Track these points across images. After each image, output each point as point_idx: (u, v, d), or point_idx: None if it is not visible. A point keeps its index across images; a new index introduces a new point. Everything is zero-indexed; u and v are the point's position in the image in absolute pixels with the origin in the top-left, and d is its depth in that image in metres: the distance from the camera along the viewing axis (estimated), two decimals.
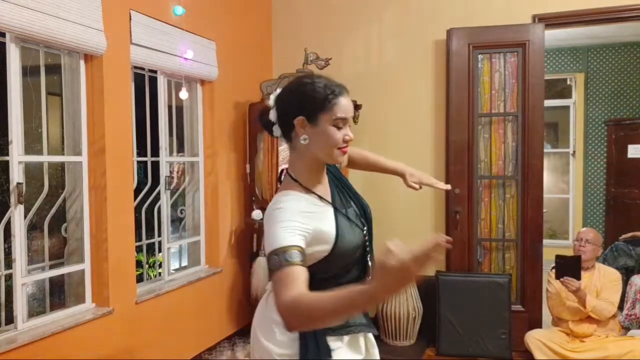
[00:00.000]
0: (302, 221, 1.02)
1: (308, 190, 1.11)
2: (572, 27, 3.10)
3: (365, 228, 1.16)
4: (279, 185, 1.18)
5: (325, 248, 1.07)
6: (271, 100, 1.14)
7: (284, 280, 0.93)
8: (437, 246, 0.79)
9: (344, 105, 1.09)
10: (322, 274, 1.08)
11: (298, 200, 1.07)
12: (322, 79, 1.11)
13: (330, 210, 1.11)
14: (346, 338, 1.14)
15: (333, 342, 1.11)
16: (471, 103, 2.90)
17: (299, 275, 0.94)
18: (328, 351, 1.08)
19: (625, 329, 2.67)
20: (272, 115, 1.13)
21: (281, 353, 1.09)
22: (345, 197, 1.19)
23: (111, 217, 2.09)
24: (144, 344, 2.28)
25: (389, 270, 0.79)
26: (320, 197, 1.12)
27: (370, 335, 1.21)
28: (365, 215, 1.19)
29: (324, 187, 1.16)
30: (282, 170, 1.18)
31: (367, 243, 1.16)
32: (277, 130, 1.14)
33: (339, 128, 1.08)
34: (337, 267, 1.11)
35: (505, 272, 2.92)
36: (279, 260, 0.96)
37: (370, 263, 1.16)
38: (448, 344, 2.79)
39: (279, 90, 1.16)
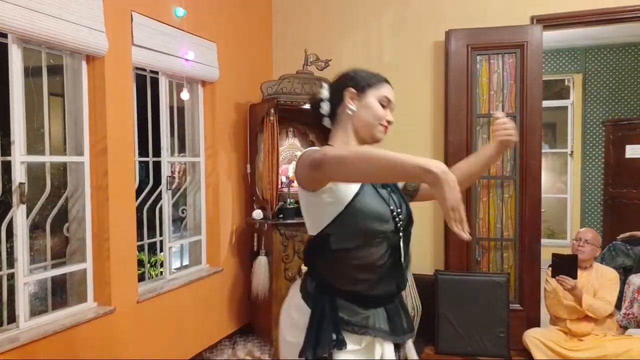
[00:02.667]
0: None
1: None
2: (570, 28, 3.12)
3: (398, 209, 1.12)
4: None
5: (339, 201, 1.05)
6: (324, 86, 1.23)
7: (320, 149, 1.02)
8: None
9: (389, 89, 1.19)
10: (342, 242, 1.05)
11: None
12: (368, 70, 1.21)
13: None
14: (364, 342, 1.08)
15: (350, 342, 1.06)
16: (470, 104, 2.92)
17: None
18: (339, 342, 1.04)
19: (623, 327, 2.69)
20: (324, 94, 1.21)
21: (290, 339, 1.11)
22: (384, 185, 1.16)
23: (113, 217, 2.11)
24: (146, 343, 2.29)
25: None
26: None
27: (391, 346, 1.13)
28: (405, 207, 1.16)
29: None
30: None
31: (400, 222, 1.10)
32: (325, 106, 1.20)
33: (383, 107, 1.16)
34: (355, 233, 1.05)
35: (504, 271, 2.94)
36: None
37: (402, 248, 1.10)
38: (447, 343, 2.80)
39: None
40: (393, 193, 1.16)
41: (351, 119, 1.16)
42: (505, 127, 1.21)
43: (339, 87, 1.19)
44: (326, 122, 1.22)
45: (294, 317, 1.12)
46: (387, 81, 1.20)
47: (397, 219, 1.11)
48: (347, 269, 1.08)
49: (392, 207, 1.11)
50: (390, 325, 1.11)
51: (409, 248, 1.15)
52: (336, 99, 1.19)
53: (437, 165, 0.85)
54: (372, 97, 1.16)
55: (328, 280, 1.10)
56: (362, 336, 1.08)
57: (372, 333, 1.08)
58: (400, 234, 1.11)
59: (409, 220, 1.16)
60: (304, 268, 1.23)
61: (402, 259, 1.11)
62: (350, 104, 1.16)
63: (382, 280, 1.09)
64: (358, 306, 1.08)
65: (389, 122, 1.17)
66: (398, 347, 1.15)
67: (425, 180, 0.87)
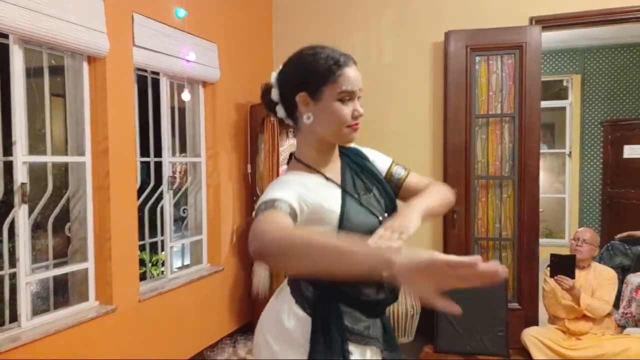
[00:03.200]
0: (302, 190, 0.92)
1: (314, 170, 1.00)
2: (568, 29, 3.13)
3: (384, 216, 1.01)
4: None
5: (325, 229, 0.94)
6: (272, 78, 1.04)
7: (268, 219, 0.82)
8: (492, 274, 0.64)
9: (350, 76, 0.96)
10: None
11: (302, 176, 0.98)
12: (326, 49, 0.99)
13: (337, 191, 0.98)
14: (368, 352, 1.00)
15: (356, 354, 0.98)
16: (468, 104, 2.94)
17: (285, 218, 0.83)
18: (343, 352, 0.94)
19: (621, 327, 2.70)
20: (275, 94, 1.02)
21: (281, 351, 0.97)
22: (364, 183, 1.05)
23: (114, 217, 2.11)
24: (147, 342, 2.30)
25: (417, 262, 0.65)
26: (327, 178, 1.00)
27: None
28: (392, 205, 1.05)
29: (334, 170, 1.04)
30: (291, 155, 1.09)
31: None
32: (280, 111, 1.03)
33: (346, 103, 0.96)
34: None
35: None
36: (267, 205, 0.86)
37: None
38: (446, 341, 2.82)
39: (280, 67, 1.04)
40: (382, 196, 1.05)
41: (311, 127, 0.98)
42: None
43: (288, 89, 0.99)
44: (288, 122, 1.05)
45: (286, 325, 0.98)
46: (345, 64, 0.97)
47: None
48: (332, 285, 0.95)
49: (380, 218, 1.00)
50: (385, 338, 1.04)
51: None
52: (288, 103, 1.00)
53: (385, 267, 0.67)
54: (330, 97, 0.95)
55: (328, 285, 0.95)
56: (365, 346, 0.99)
57: (373, 343, 1.01)
58: None
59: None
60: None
61: None
62: (306, 112, 0.97)
63: (381, 285, 1.00)
64: (361, 313, 0.99)
65: (358, 116, 0.98)
66: None
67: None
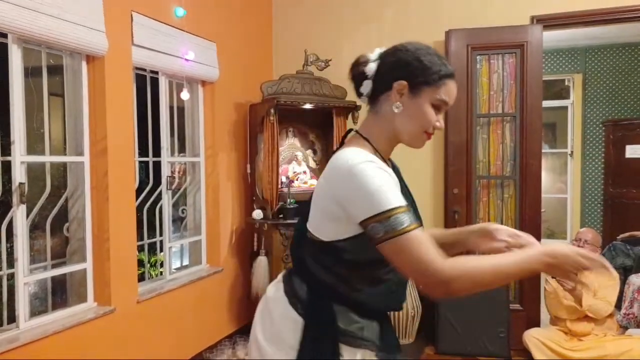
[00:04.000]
0: (393, 181, 0.90)
1: (379, 155, 0.97)
2: (570, 28, 3.12)
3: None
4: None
5: None
6: (375, 53, 1.01)
7: (421, 243, 0.82)
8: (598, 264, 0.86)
9: (452, 89, 0.96)
10: (358, 255, 0.91)
11: (375, 159, 0.92)
12: (439, 54, 0.98)
13: (398, 185, 0.95)
14: (359, 354, 0.96)
15: (347, 355, 0.95)
16: (470, 104, 2.92)
17: (431, 238, 0.85)
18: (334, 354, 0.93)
19: (623, 328, 2.69)
20: (370, 68, 0.99)
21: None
22: (404, 187, 1.03)
23: (113, 217, 2.11)
24: (146, 343, 2.29)
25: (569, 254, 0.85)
26: (388, 166, 0.97)
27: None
28: (417, 212, 1.03)
29: (388, 165, 1.00)
30: (349, 130, 1.04)
31: None
32: (366, 86, 0.99)
33: (436, 111, 0.95)
34: (373, 250, 0.88)
35: None
36: (402, 221, 0.83)
37: None
38: (447, 343, 2.80)
39: (385, 49, 1.02)
40: (415, 208, 1.02)
41: (393, 117, 0.96)
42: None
43: (391, 71, 0.96)
44: (363, 100, 1.02)
45: (279, 327, 0.96)
46: (453, 75, 0.96)
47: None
48: (354, 278, 0.95)
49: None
50: (381, 341, 1.00)
51: None
52: (382, 83, 0.97)
53: (545, 259, 0.87)
54: (427, 98, 0.94)
55: (328, 285, 0.95)
56: (356, 349, 0.96)
57: (366, 346, 0.97)
58: None
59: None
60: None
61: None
62: (397, 101, 0.95)
63: (386, 293, 0.99)
64: (355, 314, 0.96)
65: (438, 128, 0.97)
66: None
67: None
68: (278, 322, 0.97)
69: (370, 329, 0.98)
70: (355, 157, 0.90)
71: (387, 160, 1.02)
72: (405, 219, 0.84)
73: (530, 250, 0.89)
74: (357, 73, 1.02)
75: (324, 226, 0.95)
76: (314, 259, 0.97)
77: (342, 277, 0.94)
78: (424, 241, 0.83)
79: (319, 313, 0.94)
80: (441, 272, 0.81)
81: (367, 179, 0.86)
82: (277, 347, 0.96)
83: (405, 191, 1.02)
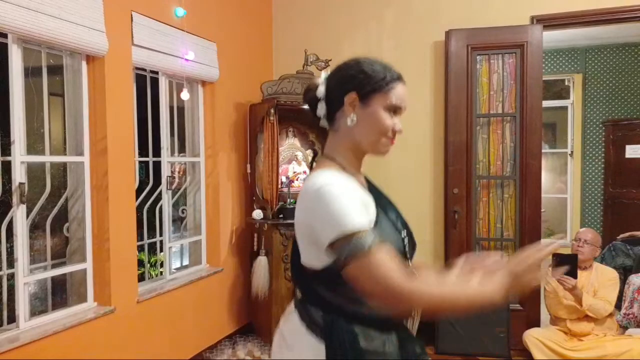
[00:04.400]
0: (359, 200, 0.91)
1: (347, 171, 0.98)
2: (570, 28, 3.11)
3: (404, 232, 1.01)
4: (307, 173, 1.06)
5: None
6: (322, 77, 1.04)
7: (383, 263, 0.83)
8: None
9: (401, 92, 0.98)
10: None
11: (345, 178, 0.93)
12: (384, 62, 1.00)
13: (371, 200, 0.96)
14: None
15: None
16: (470, 104, 2.92)
17: (395, 257, 0.86)
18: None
19: (623, 327, 2.69)
20: (320, 91, 1.02)
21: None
22: (382, 198, 1.04)
23: (113, 217, 2.11)
24: (146, 343, 2.29)
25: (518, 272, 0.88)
26: (363, 185, 1.00)
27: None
28: (402, 221, 1.05)
29: (360, 179, 1.03)
30: (315, 154, 1.08)
31: (407, 248, 1.01)
32: (321, 109, 1.02)
33: (392, 115, 0.98)
34: None
35: None
36: (363, 243, 0.83)
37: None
38: (447, 343, 2.80)
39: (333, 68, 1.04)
40: (399, 217, 1.04)
41: (351, 130, 0.98)
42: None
43: (339, 87, 0.99)
44: (323, 122, 1.04)
45: (306, 355, 0.95)
46: (400, 78, 0.99)
47: (406, 246, 1.01)
48: (362, 296, 0.92)
49: (403, 236, 1.00)
50: (402, 352, 1.00)
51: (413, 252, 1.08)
52: (334, 101, 1.00)
53: (501, 291, 0.88)
54: (378, 105, 0.96)
55: (341, 307, 0.94)
56: None
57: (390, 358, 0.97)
58: (408, 258, 1.02)
59: (414, 245, 1.06)
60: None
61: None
62: (350, 113, 0.97)
63: None
64: (373, 330, 0.95)
65: (397, 131, 0.99)
66: None
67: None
68: (299, 351, 0.96)
69: (391, 342, 0.98)
70: (321, 179, 0.91)
71: (358, 174, 1.02)
72: (368, 241, 0.84)
73: (490, 281, 0.89)
74: (309, 98, 1.06)
75: (313, 255, 0.94)
76: (318, 287, 0.97)
77: (350, 297, 0.92)
78: (387, 261, 0.84)
79: (340, 335, 0.93)
80: (400, 291, 0.83)
81: (332, 200, 0.87)
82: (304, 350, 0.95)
83: (385, 202, 1.03)
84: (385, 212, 0.98)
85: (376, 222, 0.93)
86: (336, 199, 0.87)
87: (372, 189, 1.04)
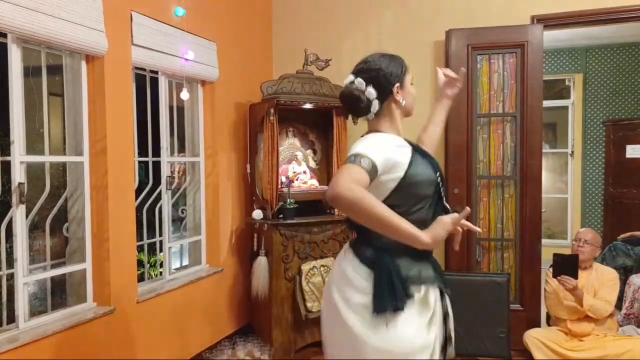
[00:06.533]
0: (390, 150, 1.20)
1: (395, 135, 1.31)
2: (570, 27, 3.11)
3: (437, 173, 1.30)
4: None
5: (397, 176, 1.20)
6: (358, 81, 1.29)
7: (351, 171, 1.12)
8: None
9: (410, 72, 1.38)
10: (400, 207, 1.19)
11: (388, 136, 1.27)
12: (388, 53, 1.36)
13: (409, 148, 1.27)
14: (422, 290, 1.23)
15: (414, 290, 1.23)
16: (470, 103, 2.92)
17: (364, 181, 1.11)
18: (408, 295, 1.20)
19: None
20: (371, 92, 1.28)
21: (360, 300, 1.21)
22: (422, 151, 1.35)
23: (112, 217, 2.10)
24: (145, 343, 2.29)
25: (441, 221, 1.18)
26: (405, 140, 1.31)
27: (437, 292, 1.30)
28: (438, 169, 1.33)
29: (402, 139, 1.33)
30: (365, 134, 1.33)
31: (441, 185, 1.29)
32: (375, 105, 1.30)
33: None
34: (410, 198, 1.23)
35: (504, 271, 2.94)
36: (354, 159, 1.14)
37: (444, 208, 1.30)
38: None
39: (352, 77, 1.32)
40: (437, 166, 1.33)
41: (399, 108, 1.32)
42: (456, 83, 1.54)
43: (387, 84, 1.29)
44: (370, 116, 1.32)
45: (357, 284, 1.22)
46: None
47: (439, 182, 1.29)
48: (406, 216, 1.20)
49: (437, 173, 1.29)
50: (436, 274, 1.29)
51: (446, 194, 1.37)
52: (383, 95, 1.29)
53: (426, 240, 1.14)
54: (408, 82, 1.34)
55: (386, 245, 1.21)
56: (420, 285, 1.24)
57: (426, 282, 1.25)
58: (442, 192, 1.31)
59: (444, 181, 1.35)
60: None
61: (445, 213, 1.29)
62: (401, 98, 1.31)
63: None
64: (412, 260, 1.23)
65: None
66: (442, 296, 1.32)
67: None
68: (352, 276, 1.24)
69: (426, 269, 1.27)
70: (371, 135, 1.28)
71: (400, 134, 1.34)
72: (362, 161, 1.14)
73: (417, 229, 1.15)
74: (360, 104, 1.30)
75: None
76: (368, 231, 1.19)
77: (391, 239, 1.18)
78: (352, 173, 1.12)
79: (386, 265, 1.20)
80: (337, 187, 1.08)
81: (368, 141, 1.22)
82: (360, 296, 1.21)
83: (425, 153, 1.33)
84: (422, 157, 1.28)
85: (412, 158, 1.24)
86: (370, 141, 1.22)
87: (414, 146, 1.33)
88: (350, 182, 1.08)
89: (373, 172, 1.14)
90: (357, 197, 1.07)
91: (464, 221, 1.28)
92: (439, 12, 3.07)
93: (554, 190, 5.36)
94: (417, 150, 1.29)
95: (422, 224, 1.20)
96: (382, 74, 1.29)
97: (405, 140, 1.33)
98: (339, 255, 1.35)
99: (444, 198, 1.31)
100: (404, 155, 1.24)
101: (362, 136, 1.30)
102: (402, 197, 1.22)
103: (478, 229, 1.40)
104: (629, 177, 4.51)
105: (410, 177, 1.21)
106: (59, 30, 1.84)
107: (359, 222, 1.15)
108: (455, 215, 1.21)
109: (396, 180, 1.21)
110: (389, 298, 1.17)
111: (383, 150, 1.19)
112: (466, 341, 2.77)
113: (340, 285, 1.26)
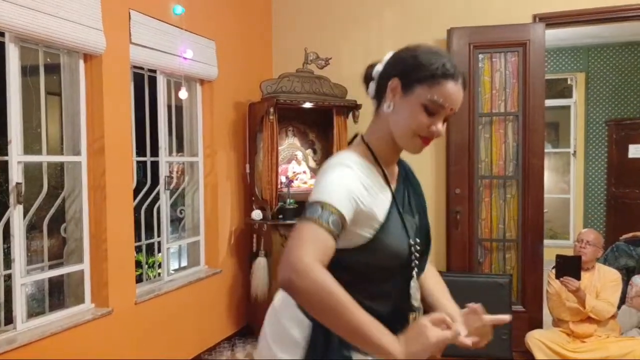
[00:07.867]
0: (360, 190, 0.86)
1: (376, 163, 0.94)
2: (572, 26, 3.09)
3: (415, 242, 0.96)
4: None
5: (368, 233, 0.89)
6: (386, 56, 0.98)
7: (314, 238, 0.78)
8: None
9: (448, 91, 0.87)
10: (356, 268, 0.90)
11: (366, 167, 0.90)
12: (447, 56, 0.92)
13: (388, 196, 0.93)
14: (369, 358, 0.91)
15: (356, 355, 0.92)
16: (472, 103, 2.89)
17: (330, 250, 0.79)
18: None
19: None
20: (377, 70, 0.96)
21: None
22: (411, 206, 0.99)
23: (110, 217, 2.09)
24: (143, 345, 2.27)
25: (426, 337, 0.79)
26: (386, 177, 0.94)
27: None
28: (424, 235, 1.00)
29: (392, 174, 0.98)
30: (355, 135, 1.01)
31: (414, 259, 0.96)
32: (371, 87, 0.97)
33: (430, 114, 0.88)
34: (372, 264, 0.91)
35: (506, 272, 2.92)
36: (320, 214, 0.80)
37: (412, 289, 0.98)
38: (448, 345, 2.78)
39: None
40: (418, 222, 0.99)
41: (388, 117, 0.92)
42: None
43: (388, 70, 0.93)
44: (373, 102, 0.99)
45: (291, 332, 0.93)
46: (452, 77, 0.88)
47: (413, 254, 0.95)
48: (356, 284, 0.88)
49: (411, 241, 0.94)
50: None
51: (421, 274, 1.02)
52: (381, 85, 0.94)
53: (399, 353, 0.78)
54: (419, 98, 0.87)
55: None
56: (366, 355, 0.91)
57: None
58: (414, 266, 0.97)
59: (427, 248, 1.01)
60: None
61: (410, 289, 0.98)
62: (390, 100, 0.90)
63: (390, 302, 0.98)
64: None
65: (434, 133, 0.90)
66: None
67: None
68: (285, 323, 0.95)
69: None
70: (336, 158, 0.90)
71: (387, 167, 0.96)
72: (323, 215, 0.80)
73: (391, 337, 0.79)
74: (366, 75, 1.00)
75: None
76: None
77: (344, 282, 0.84)
78: (316, 240, 0.78)
79: (326, 334, 0.88)
80: (294, 266, 0.75)
81: (327, 176, 0.86)
82: (283, 346, 0.94)
83: (409, 203, 0.98)
84: (400, 212, 0.93)
85: (387, 217, 0.90)
86: (333, 175, 0.86)
87: (405, 191, 0.99)
88: (313, 261, 0.76)
89: (339, 230, 0.82)
90: (321, 289, 0.75)
91: (486, 316, 0.93)
92: (440, 11, 3.05)
93: (556, 191, 5.33)
94: (399, 198, 0.95)
95: (377, 296, 0.92)
96: (395, 58, 0.94)
97: (394, 171, 0.99)
98: (276, 295, 1.03)
99: (415, 268, 0.96)
100: (381, 205, 0.90)
101: (336, 153, 0.97)
102: (364, 258, 0.90)
103: (507, 318, 0.96)
104: (632, 177, 4.49)
105: (379, 241, 0.89)
106: (56, 29, 1.83)
107: (312, 315, 0.83)
108: (446, 333, 0.83)
109: (364, 239, 0.88)
110: (320, 356, 0.89)
111: (354, 193, 0.85)
112: None
113: (275, 330, 0.98)
